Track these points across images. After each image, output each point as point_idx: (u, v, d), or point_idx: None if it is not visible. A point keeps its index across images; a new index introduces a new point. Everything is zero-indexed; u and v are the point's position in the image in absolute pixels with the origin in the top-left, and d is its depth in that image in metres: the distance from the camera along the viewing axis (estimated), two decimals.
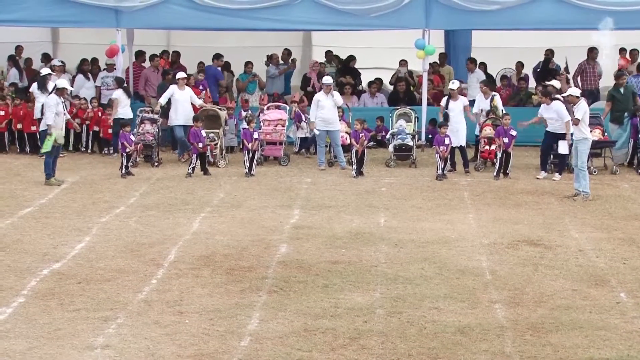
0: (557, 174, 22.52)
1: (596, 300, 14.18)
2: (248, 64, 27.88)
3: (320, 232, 17.64)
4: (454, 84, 23.54)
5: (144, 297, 14.21)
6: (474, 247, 16.70)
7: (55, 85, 21.93)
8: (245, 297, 14.14)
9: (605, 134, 23.23)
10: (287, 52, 28.54)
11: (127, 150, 22.25)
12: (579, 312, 13.64)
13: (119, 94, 24.24)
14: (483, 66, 28.00)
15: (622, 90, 24.18)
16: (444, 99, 23.61)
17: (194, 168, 22.37)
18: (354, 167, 22.54)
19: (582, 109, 20.25)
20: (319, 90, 24.99)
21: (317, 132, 23.50)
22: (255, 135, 22.54)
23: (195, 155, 22.39)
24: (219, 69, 27.57)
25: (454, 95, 23.37)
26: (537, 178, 22.33)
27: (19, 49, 28.43)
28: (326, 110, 23.43)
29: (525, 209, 19.46)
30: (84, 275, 15.12)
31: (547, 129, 22.67)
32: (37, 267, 15.51)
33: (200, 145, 22.38)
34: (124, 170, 22.18)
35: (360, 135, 22.50)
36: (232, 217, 18.50)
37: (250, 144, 22.44)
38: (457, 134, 22.84)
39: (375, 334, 12.76)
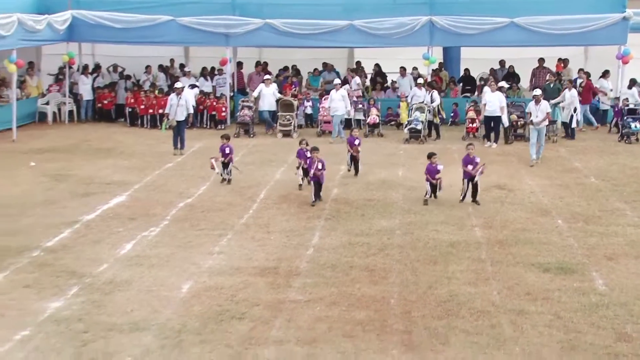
0: (494, 143, 22.29)
1: (542, 225, 14.16)
2: (315, 70, 27.92)
3: (360, 180, 17.67)
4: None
5: (245, 221, 14.38)
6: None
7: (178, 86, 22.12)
8: (310, 222, 14.27)
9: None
10: (332, 66, 28.41)
11: (219, 160, 17.25)
12: (530, 233, 13.65)
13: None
14: (467, 71, 27.83)
15: (551, 85, 24.33)
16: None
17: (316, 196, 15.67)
18: (349, 166, 18.45)
19: (545, 105, 20.07)
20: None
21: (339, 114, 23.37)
22: (309, 154, 16.19)
23: (313, 182, 15.81)
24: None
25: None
26: (484, 146, 22.03)
27: (172, 61, 28.70)
28: (335, 101, 23.34)
29: (496, 165, 19.34)
30: (206, 206, 15.32)
31: (485, 114, 22.38)
32: (176, 201, 15.73)
33: (312, 171, 15.79)
34: (221, 176, 17.31)
35: (356, 142, 18.23)
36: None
37: (303, 162, 16.55)
38: None
39: (395, 247, 12.85)
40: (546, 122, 20.13)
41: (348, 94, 24.34)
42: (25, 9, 23.44)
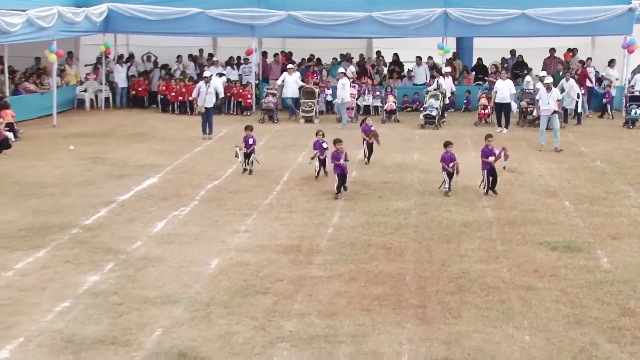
0: (505, 128, 22.16)
1: (550, 206, 14.07)
2: (334, 60, 27.79)
3: (377, 164, 17.57)
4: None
5: (269, 202, 14.39)
6: (473, 172, 16.52)
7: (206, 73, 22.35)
8: (331, 203, 14.24)
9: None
10: (349, 55, 28.29)
11: (242, 150, 16.43)
12: (538, 213, 13.57)
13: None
14: (479, 60, 27.62)
15: (560, 73, 24.39)
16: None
17: (338, 189, 14.74)
18: (365, 157, 17.69)
19: (556, 92, 19.78)
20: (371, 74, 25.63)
21: (339, 102, 23.32)
22: (325, 146, 15.88)
23: (337, 175, 14.68)
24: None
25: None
26: (496, 132, 21.83)
27: (201, 51, 28.63)
28: (338, 90, 23.28)
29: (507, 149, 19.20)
30: (232, 188, 15.33)
31: (496, 101, 22.31)
32: (204, 183, 15.76)
33: (341, 161, 14.72)
34: (243, 166, 16.58)
35: (372, 129, 17.42)
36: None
37: (322, 155, 15.93)
38: None
39: (411, 226, 12.81)
40: (556, 108, 19.81)
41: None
42: (65, 2, 23.51)
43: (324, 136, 16.11)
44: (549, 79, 20.24)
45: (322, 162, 16.02)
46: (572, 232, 12.48)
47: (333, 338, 8.56)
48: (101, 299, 9.65)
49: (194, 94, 21.85)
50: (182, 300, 9.61)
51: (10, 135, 19.61)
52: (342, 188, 14.74)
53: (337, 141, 14.92)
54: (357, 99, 24.82)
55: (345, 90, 23.23)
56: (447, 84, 23.88)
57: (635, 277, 10.48)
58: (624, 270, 10.78)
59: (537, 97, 20.50)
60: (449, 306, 9.47)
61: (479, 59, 27.70)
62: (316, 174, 16.02)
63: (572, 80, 23.28)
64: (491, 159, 14.63)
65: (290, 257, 11.23)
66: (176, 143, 20.18)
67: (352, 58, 27.99)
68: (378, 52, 28.76)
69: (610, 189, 15.40)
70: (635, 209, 13.89)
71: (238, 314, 9.19)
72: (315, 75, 26.32)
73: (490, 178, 14.72)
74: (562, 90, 22.82)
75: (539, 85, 22.43)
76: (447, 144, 15.03)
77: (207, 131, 21.12)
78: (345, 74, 23.82)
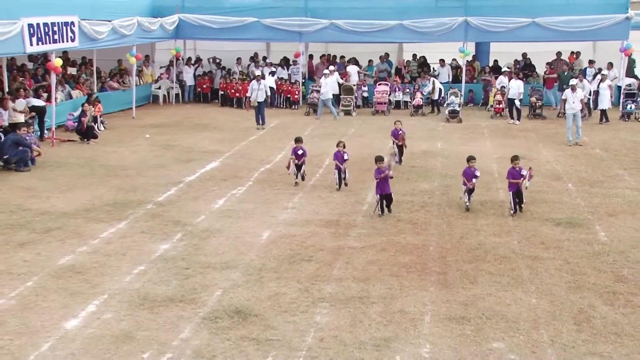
0: (517, 120, 21.69)
1: (555, 187, 13.86)
2: (370, 61, 27.58)
3: (405, 151, 17.36)
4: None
5: (312, 183, 14.37)
6: (489, 159, 16.37)
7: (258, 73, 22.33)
8: (365, 184, 14.10)
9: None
10: (386, 55, 27.97)
11: (295, 162, 14.16)
12: (545, 194, 13.37)
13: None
14: (495, 61, 27.16)
15: (565, 73, 23.84)
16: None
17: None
18: (397, 156, 15.66)
19: (580, 92, 19.19)
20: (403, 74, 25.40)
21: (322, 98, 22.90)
22: (346, 157, 13.66)
23: (378, 195, 12.00)
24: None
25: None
26: (509, 123, 21.55)
27: (256, 54, 28.56)
28: (323, 87, 22.94)
29: (518, 138, 18.94)
30: (281, 171, 15.26)
31: (508, 97, 22.04)
32: (258, 167, 15.80)
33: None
34: (294, 180, 14.20)
35: (400, 132, 15.80)
36: (357, 142, 18.34)
37: (342, 165, 13.64)
38: None
39: (434, 205, 12.71)
40: (580, 107, 19.05)
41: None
42: (143, 13, 23.87)
43: (344, 147, 13.86)
44: (574, 81, 19.57)
45: (340, 173, 13.79)
46: (574, 210, 12.26)
47: (366, 299, 8.55)
48: (171, 264, 9.77)
49: (249, 93, 21.71)
50: (239, 266, 9.68)
51: (96, 125, 19.89)
52: (388, 209, 12.09)
53: (378, 159, 12.17)
54: (389, 95, 24.61)
55: (327, 88, 22.89)
56: (505, 82, 23.71)
57: (628, 249, 10.31)
58: (618, 243, 10.60)
59: (563, 97, 19.72)
60: (466, 273, 9.40)
61: (495, 61, 27.23)
62: (337, 186, 13.75)
63: (585, 81, 22.74)
64: (520, 179, 12.10)
65: (331, 230, 11.22)
66: (234, 132, 20.24)
67: (419, 60, 27.92)
68: (414, 55, 28.48)
69: (607, 173, 15.08)
70: (629, 191, 13.61)
71: (286, 278, 9.23)
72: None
73: (517, 199, 12.11)
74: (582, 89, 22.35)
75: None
76: (469, 159, 12.43)
77: (260, 122, 21.16)
78: (329, 75, 23.56)
